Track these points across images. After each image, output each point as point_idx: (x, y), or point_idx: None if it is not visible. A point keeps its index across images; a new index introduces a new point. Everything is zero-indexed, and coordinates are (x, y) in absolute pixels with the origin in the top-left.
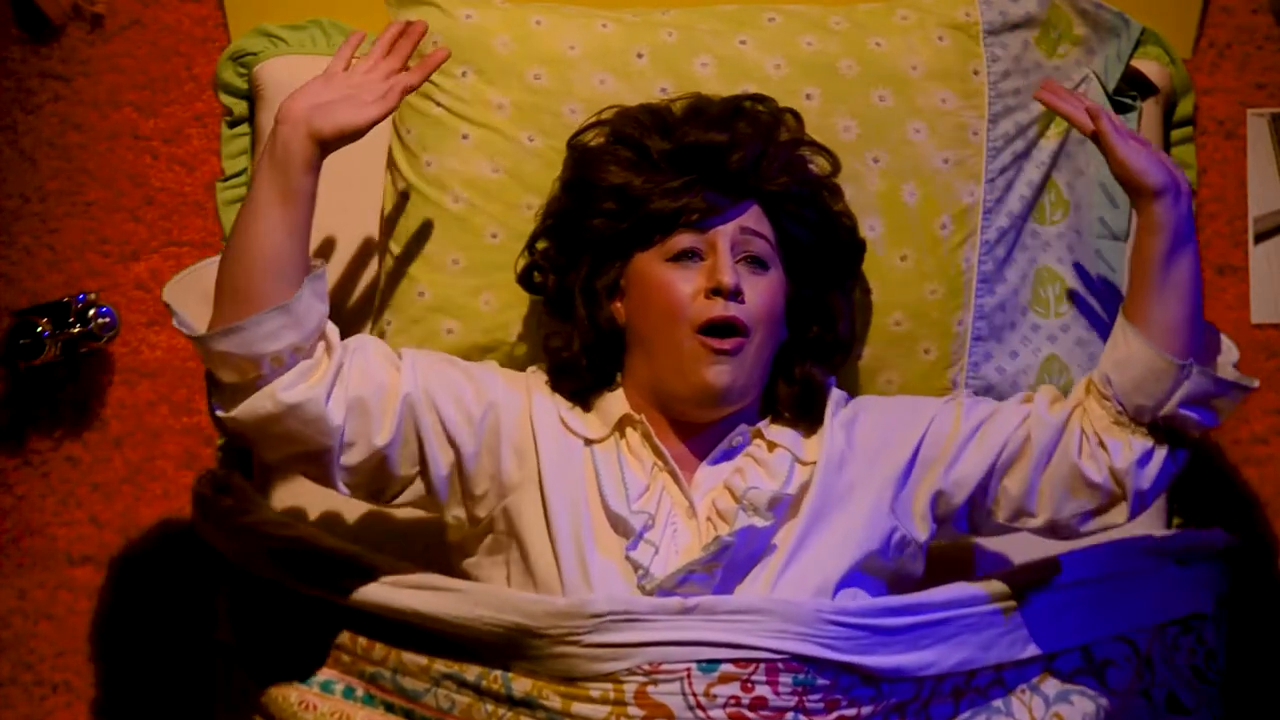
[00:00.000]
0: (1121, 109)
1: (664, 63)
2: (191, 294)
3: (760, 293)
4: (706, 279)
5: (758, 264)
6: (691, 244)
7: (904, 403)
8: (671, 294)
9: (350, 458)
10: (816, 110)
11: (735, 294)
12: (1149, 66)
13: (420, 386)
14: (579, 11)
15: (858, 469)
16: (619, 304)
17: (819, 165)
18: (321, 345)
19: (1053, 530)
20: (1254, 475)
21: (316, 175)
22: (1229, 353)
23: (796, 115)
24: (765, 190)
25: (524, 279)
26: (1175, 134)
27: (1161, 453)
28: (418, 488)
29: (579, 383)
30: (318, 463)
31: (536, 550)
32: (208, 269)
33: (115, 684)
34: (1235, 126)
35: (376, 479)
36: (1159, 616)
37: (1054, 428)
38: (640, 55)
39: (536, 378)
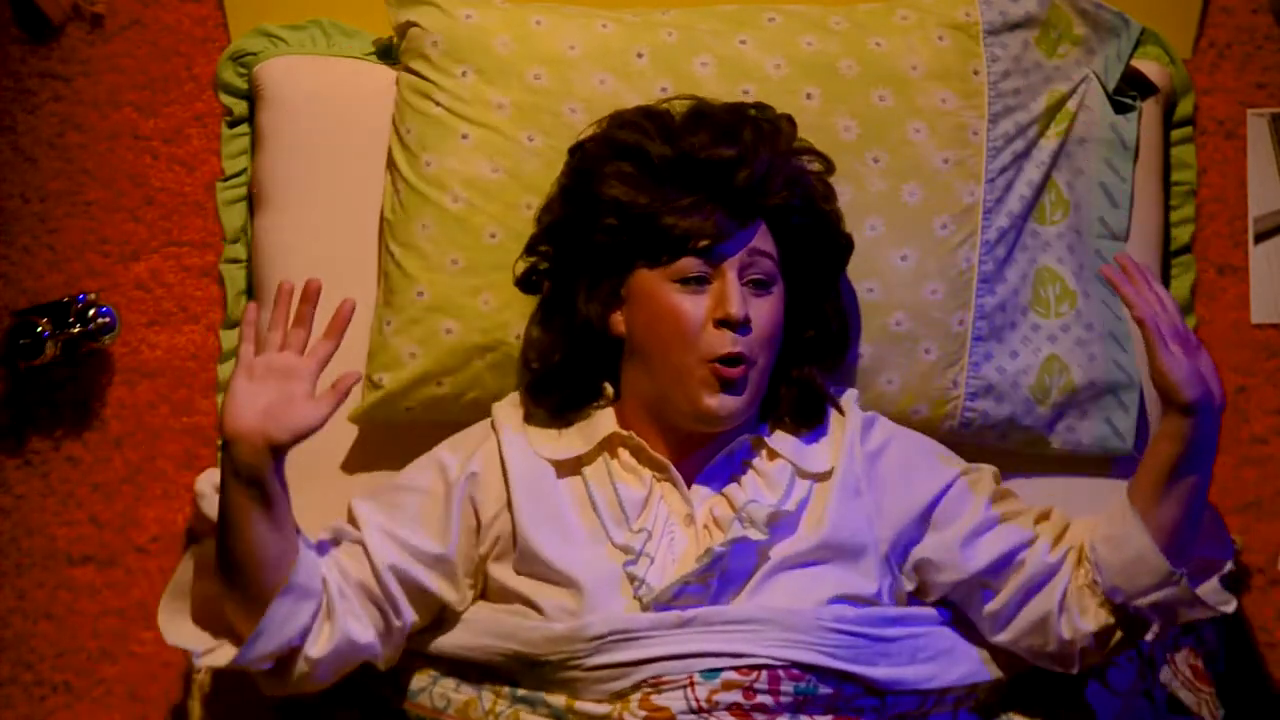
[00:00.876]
0: (1121, 109)
1: (664, 62)
2: (180, 611)
3: (765, 314)
4: (715, 306)
5: (763, 284)
6: (700, 268)
7: (931, 448)
8: (680, 320)
9: (389, 648)
10: (816, 110)
11: (745, 324)
12: (1149, 66)
13: (391, 546)
14: (579, 11)
15: (872, 502)
16: (618, 314)
17: (813, 167)
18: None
19: (997, 650)
20: (1254, 475)
21: (283, 471)
22: (1223, 568)
23: (791, 121)
24: (773, 207)
25: (523, 282)
26: (1175, 134)
27: (1119, 635)
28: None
29: (562, 394)
30: (371, 665)
31: (524, 593)
32: (180, 576)
33: (115, 684)
34: (1235, 126)
35: (412, 639)
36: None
37: (1048, 569)
38: (640, 55)
39: (504, 413)
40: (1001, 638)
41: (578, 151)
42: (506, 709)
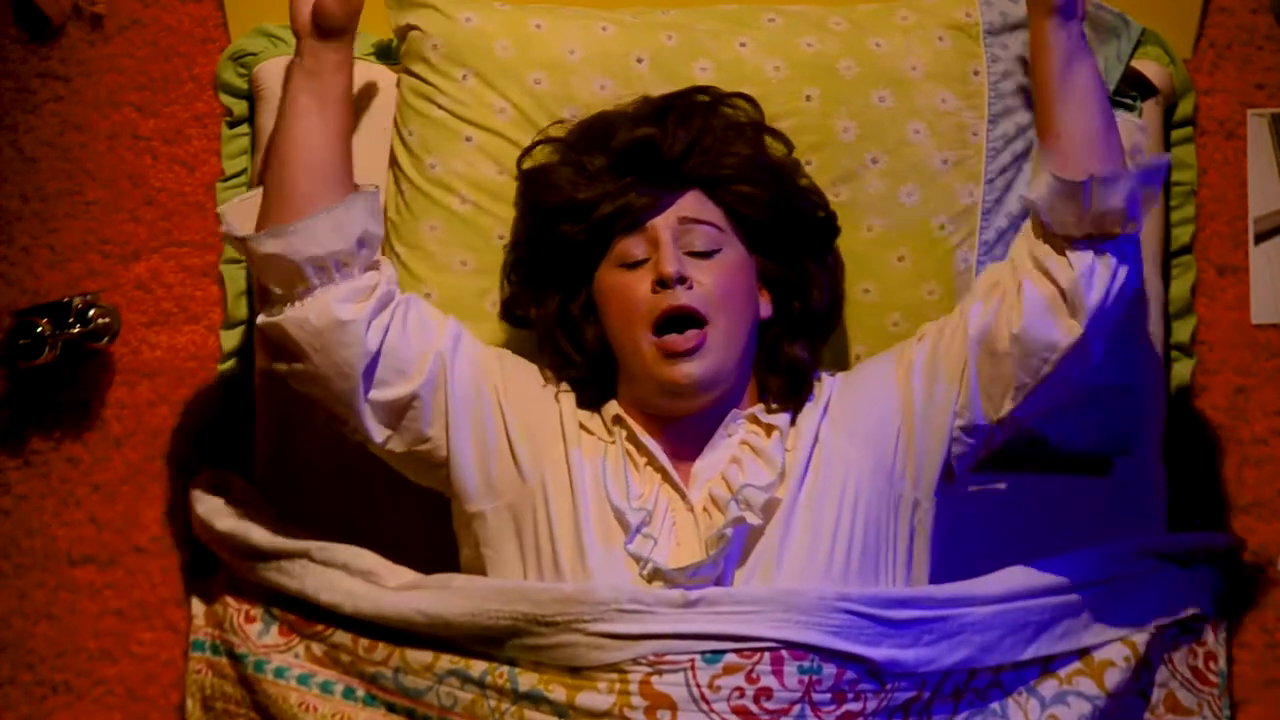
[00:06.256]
0: (1122, 109)
1: (663, 66)
2: (245, 215)
3: (713, 275)
4: (651, 272)
5: (706, 252)
6: (635, 245)
7: (870, 375)
8: (624, 296)
9: (381, 394)
10: (816, 111)
11: (680, 281)
12: (1149, 66)
13: (461, 354)
14: (579, 13)
15: (839, 446)
16: (593, 322)
17: (775, 149)
18: (371, 272)
19: (1035, 401)
20: (1254, 475)
21: (348, 74)
22: (1136, 147)
23: (750, 99)
24: (705, 175)
25: (507, 314)
26: (1175, 134)
27: (1101, 261)
28: (441, 450)
29: (585, 394)
30: (345, 396)
31: (549, 540)
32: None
33: (115, 684)
34: (1235, 126)
35: (405, 423)
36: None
37: (992, 315)
38: (640, 60)
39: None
40: (1018, 395)
41: (525, 172)
42: (510, 708)
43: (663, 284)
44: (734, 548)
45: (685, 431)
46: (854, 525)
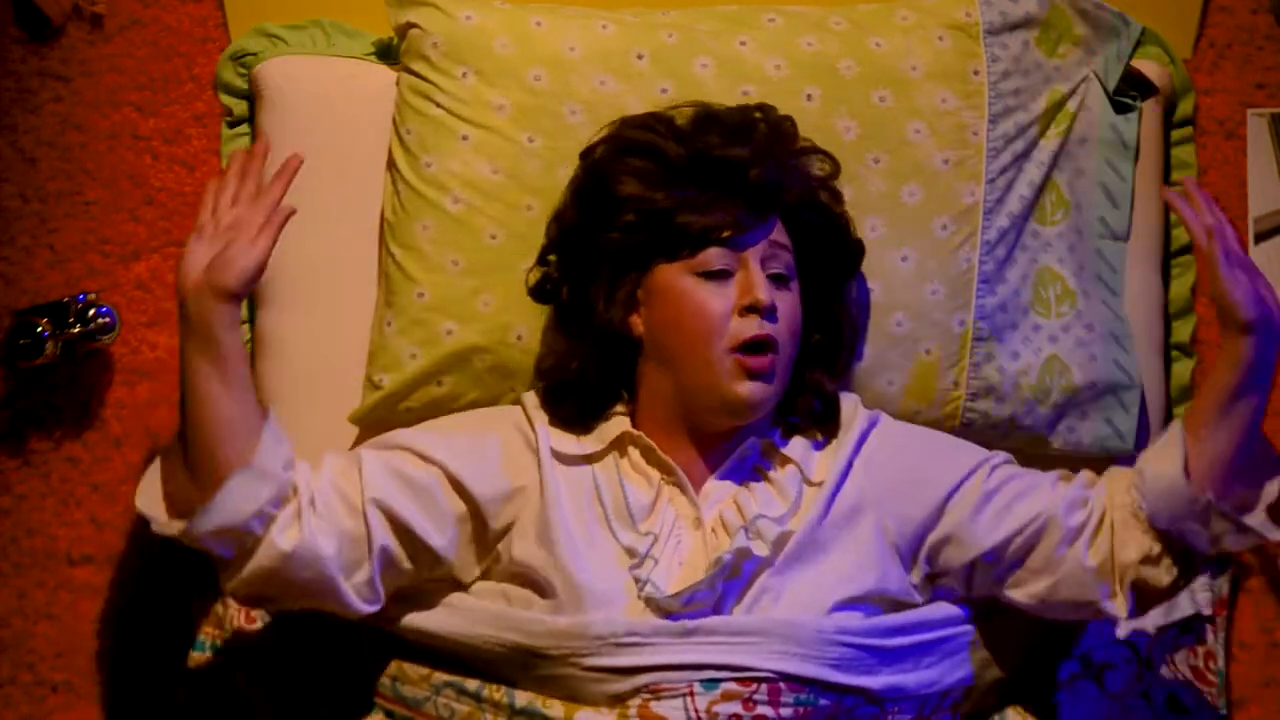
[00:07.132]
0: (1122, 109)
1: (664, 64)
2: (155, 494)
3: (787, 306)
4: (741, 295)
5: (783, 279)
6: (723, 261)
7: (939, 441)
8: (705, 310)
9: (356, 577)
10: (816, 111)
11: (771, 312)
12: (1149, 66)
13: (385, 487)
14: (579, 12)
15: (868, 495)
16: (637, 316)
17: (821, 168)
18: (293, 486)
19: (1043, 607)
20: None
21: (239, 330)
22: (1268, 496)
23: (792, 121)
24: (787, 204)
25: (537, 291)
26: (1175, 134)
27: (1167, 561)
28: (425, 570)
29: (581, 402)
30: (331, 598)
31: (537, 572)
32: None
33: (115, 684)
34: (1235, 126)
35: (387, 578)
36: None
37: (1078, 511)
38: (640, 57)
39: (533, 402)
40: (1040, 597)
41: (590, 155)
42: None
43: (752, 310)
44: (741, 577)
45: (703, 452)
46: (863, 567)
